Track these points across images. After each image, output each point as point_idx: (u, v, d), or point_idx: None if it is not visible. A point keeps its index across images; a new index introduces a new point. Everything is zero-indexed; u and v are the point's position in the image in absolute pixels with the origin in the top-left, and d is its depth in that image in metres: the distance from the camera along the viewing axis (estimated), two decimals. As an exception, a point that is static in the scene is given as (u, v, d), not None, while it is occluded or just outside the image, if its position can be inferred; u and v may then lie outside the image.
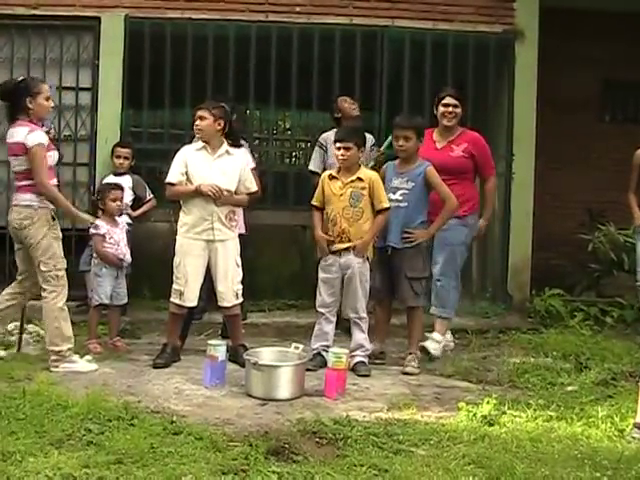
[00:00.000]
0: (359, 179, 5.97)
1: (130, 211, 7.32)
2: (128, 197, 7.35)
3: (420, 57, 8.06)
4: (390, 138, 7.28)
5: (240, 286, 6.02)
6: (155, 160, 7.90)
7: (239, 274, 6.02)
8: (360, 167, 6.08)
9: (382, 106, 8.06)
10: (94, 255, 6.47)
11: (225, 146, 6.01)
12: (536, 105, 8.08)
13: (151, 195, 7.34)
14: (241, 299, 6.05)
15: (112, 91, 7.73)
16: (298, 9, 7.96)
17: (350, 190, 5.95)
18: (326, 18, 7.99)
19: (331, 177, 6.07)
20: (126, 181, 7.36)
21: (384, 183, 6.14)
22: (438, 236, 6.37)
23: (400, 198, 6.11)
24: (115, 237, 6.40)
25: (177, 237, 6.00)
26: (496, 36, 8.13)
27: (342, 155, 5.96)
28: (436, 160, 6.32)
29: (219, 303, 6.01)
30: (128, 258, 6.48)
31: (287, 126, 11.95)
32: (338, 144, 6.01)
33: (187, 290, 5.88)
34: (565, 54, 9.09)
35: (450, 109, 6.51)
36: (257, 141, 9.83)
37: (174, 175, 5.96)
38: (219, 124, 5.94)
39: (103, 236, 6.36)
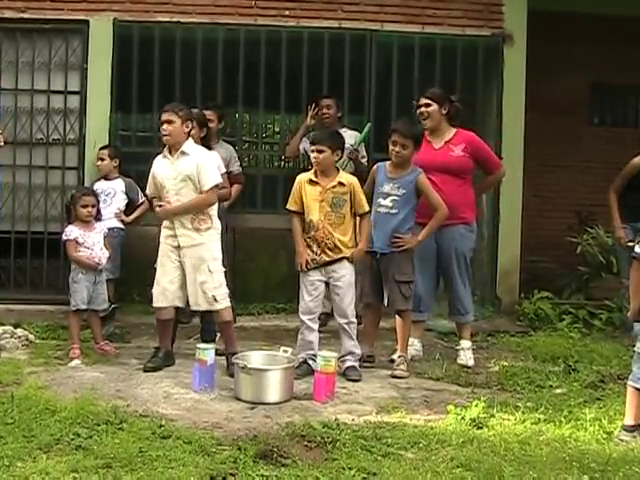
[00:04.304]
0: (340, 184, 5.87)
1: (124, 217, 7.30)
2: (122, 201, 7.34)
3: (409, 61, 8.07)
4: (367, 128, 7.17)
5: (221, 291, 5.80)
6: (144, 163, 7.86)
7: (214, 280, 5.77)
8: (339, 171, 5.99)
9: (370, 109, 8.07)
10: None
11: (183, 147, 5.93)
12: (525, 108, 8.10)
13: (143, 198, 7.32)
14: (224, 304, 5.82)
15: (101, 94, 7.72)
16: (287, 13, 7.97)
17: (332, 195, 5.84)
18: (315, 22, 8.00)
19: (310, 181, 5.92)
20: (118, 185, 7.35)
21: (374, 185, 6.11)
22: (448, 245, 6.34)
23: (390, 204, 6.00)
24: (88, 241, 6.34)
25: None
26: (485, 39, 8.15)
27: (315, 158, 5.87)
28: (437, 161, 6.25)
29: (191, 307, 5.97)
30: (104, 262, 6.41)
31: (276, 129, 11.91)
32: (312, 147, 5.96)
33: (157, 290, 5.89)
34: (553, 57, 9.15)
35: (422, 109, 6.38)
36: (246, 145, 9.82)
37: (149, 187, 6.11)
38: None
39: (75, 241, 6.34)
